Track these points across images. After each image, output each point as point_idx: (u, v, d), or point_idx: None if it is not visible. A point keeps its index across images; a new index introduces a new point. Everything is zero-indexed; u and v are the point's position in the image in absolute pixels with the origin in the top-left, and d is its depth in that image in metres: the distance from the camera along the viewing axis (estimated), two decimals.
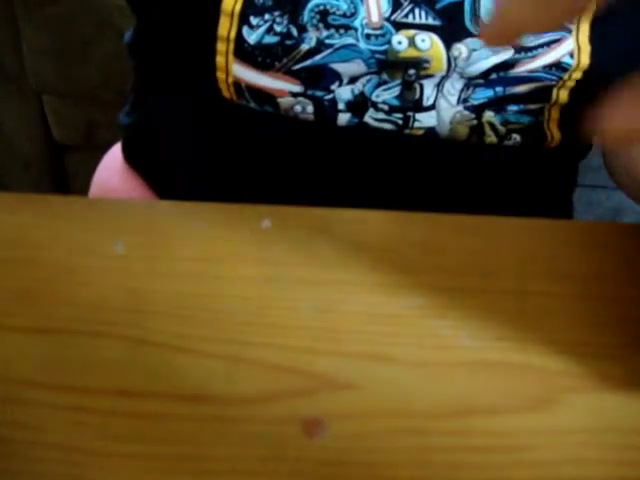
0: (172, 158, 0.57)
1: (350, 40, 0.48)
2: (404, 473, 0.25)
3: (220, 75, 0.49)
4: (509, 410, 0.27)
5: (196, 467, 0.25)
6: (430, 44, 0.48)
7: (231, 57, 0.48)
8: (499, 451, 0.26)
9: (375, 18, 0.47)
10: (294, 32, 0.47)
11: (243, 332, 0.31)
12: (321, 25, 0.47)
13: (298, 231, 0.36)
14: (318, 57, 0.48)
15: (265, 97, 0.49)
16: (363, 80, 0.49)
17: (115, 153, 0.64)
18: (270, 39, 0.47)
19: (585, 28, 0.45)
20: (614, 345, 0.30)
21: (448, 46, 0.47)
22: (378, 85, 0.49)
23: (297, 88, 0.49)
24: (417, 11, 0.47)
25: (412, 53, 0.48)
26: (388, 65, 0.48)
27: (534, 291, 0.32)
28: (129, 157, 0.62)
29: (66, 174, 1.18)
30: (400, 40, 0.47)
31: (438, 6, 0.47)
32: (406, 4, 0.47)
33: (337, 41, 0.48)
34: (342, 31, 0.48)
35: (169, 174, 0.58)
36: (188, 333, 0.31)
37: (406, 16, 0.47)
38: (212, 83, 0.49)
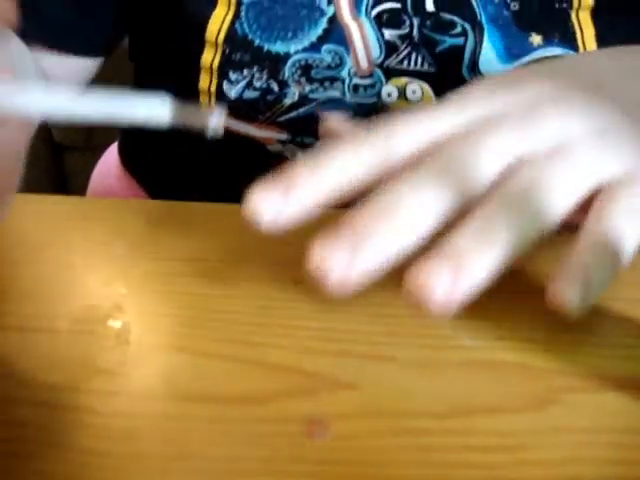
0: (168, 164, 0.57)
1: (336, 94, 0.46)
2: (404, 473, 0.25)
3: None
4: (509, 410, 0.27)
5: (196, 467, 0.25)
6: (421, 95, 0.46)
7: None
8: (499, 451, 0.26)
9: (365, 65, 0.45)
10: (275, 87, 0.45)
11: (243, 332, 0.31)
12: (303, 80, 0.45)
13: (298, 231, 0.36)
14: (303, 109, 0.47)
15: (254, 141, 0.49)
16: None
17: (113, 152, 0.65)
18: (250, 94, 0.46)
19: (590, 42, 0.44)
20: (614, 345, 0.30)
21: (441, 96, 0.46)
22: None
23: (284, 136, 0.48)
24: (414, 56, 0.45)
25: (401, 104, 0.46)
26: (376, 112, 0.47)
27: (534, 291, 0.32)
28: (125, 162, 0.62)
29: (66, 174, 1.18)
30: (390, 92, 0.46)
31: (439, 49, 0.45)
32: (403, 48, 0.45)
33: (321, 95, 0.46)
34: (327, 84, 0.45)
35: (165, 180, 0.58)
36: (188, 333, 0.31)
37: (401, 62, 0.45)
38: None
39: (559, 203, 0.31)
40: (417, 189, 0.30)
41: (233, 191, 0.54)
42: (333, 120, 0.37)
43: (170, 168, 0.57)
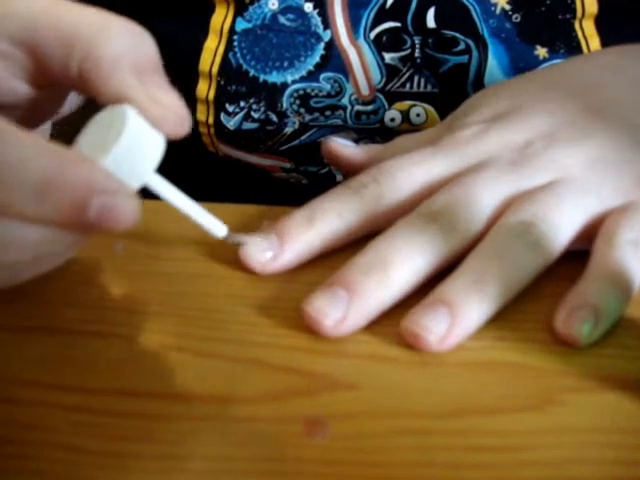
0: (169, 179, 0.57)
1: (338, 122, 0.45)
2: (405, 473, 0.25)
3: (210, 149, 0.48)
4: (509, 410, 0.27)
5: (196, 467, 0.25)
6: (425, 117, 0.45)
7: (215, 139, 0.47)
8: (499, 451, 0.26)
9: (365, 91, 0.44)
10: (274, 118, 0.44)
11: (243, 332, 0.31)
12: (303, 110, 0.44)
13: None
14: (305, 136, 0.46)
15: (258, 169, 0.48)
16: None
17: None
18: (249, 125, 0.45)
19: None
20: (614, 345, 0.30)
21: (445, 117, 0.45)
22: None
23: (288, 165, 0.47)
24: (416, 78, 0.44)
25: (405, 127, 0.46)
26: (380, 133, 0.46)
27: (534, 291, 0.32)
28: None
29: None
30: (393, 117, 0.45)
31: (442, 69, 0.44)
32: (404, 70, 0.44)
33: (323, 123, 0.45)
34: (328, 113, 0.44)
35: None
36: (188, 333, 0.31)
37: (403, 85, 0.44)
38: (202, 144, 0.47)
39: (558, 236, 0.31)
40: (408, 239, 0.30)
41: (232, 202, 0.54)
42: (334, 144, 0.37)
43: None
